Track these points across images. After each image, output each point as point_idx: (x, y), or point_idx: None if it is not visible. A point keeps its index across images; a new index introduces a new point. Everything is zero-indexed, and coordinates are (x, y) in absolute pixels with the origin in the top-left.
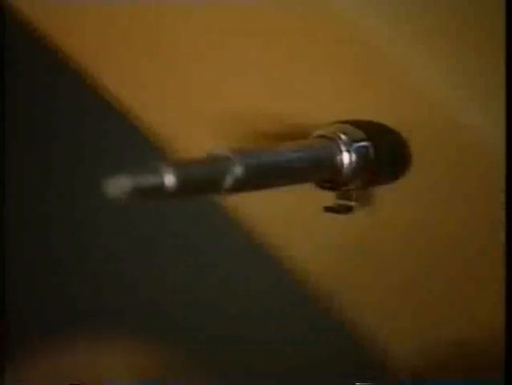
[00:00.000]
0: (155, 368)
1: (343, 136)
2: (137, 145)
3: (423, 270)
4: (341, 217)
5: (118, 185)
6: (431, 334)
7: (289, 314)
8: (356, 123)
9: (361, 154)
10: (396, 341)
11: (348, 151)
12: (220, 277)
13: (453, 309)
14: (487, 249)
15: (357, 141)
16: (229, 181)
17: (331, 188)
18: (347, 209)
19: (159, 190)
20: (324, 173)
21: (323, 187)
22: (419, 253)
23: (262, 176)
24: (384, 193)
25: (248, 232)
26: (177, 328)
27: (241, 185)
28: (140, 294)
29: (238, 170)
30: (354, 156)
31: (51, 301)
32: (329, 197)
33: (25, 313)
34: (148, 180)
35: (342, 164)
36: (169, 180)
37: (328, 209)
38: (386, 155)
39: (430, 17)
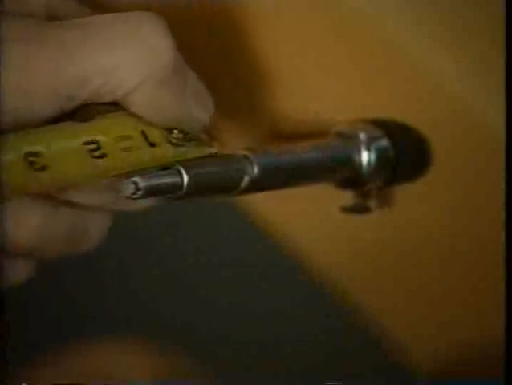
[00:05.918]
0: (155, 368)
1: (362, 134)
2: None
3: (438, 271)
4: (359, 217)
5: (132, 185)
6: (443, 335)
7: (289, 315)
8: (376, 122)
9: (381, 153)
10: (412, 342)
11: (368, 149)
12: (221, 277)
13: (456, 309)
14: (488, 249)
15: (376, 139)
16: (245, 181)
17: (349, 188)
18: (365, 209)
19: (174, 190)
20: (342, 173)
21: (341, 186)
22: (435, 254)
23: (279, 177)
24: (403, 192)
25: (253, 232)
26: (178, 328)
27: (258, 185)
28: (140, 294)
29: (255, 170)
30: (373, 155)
31: (51, 302)
32: (346, 197)
33: (25, 313)
34: (163, 180)
35: (361, 163)
36: (185, 179)
37: (345, 210)
38: (406, 154)
39: (450, 17)
